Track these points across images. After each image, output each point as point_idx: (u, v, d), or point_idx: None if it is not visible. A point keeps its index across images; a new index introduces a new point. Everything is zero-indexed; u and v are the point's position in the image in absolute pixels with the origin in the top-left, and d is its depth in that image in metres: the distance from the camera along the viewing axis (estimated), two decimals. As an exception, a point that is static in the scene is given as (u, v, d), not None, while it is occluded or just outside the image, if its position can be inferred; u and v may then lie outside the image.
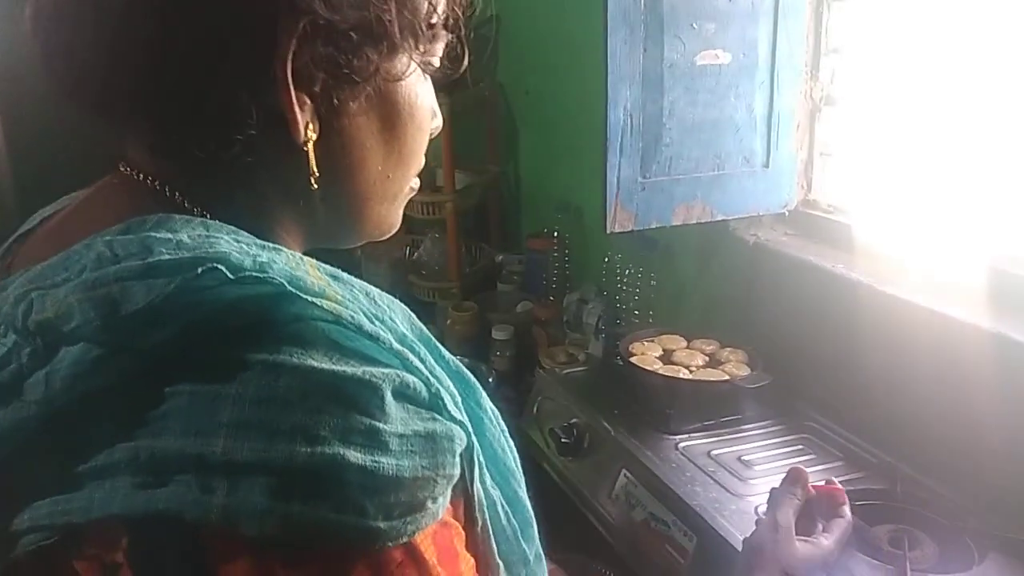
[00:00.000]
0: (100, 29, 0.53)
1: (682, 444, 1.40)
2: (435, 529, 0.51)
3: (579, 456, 1.49)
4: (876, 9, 1.55)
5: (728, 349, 1.62)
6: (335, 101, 0.57)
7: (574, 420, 1.53)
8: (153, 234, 0.52)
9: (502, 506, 0.60)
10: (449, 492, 0.52)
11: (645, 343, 1.65)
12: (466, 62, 0.64)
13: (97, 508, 0.46)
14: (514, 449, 0.65)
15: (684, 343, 1.66)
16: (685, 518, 1.23)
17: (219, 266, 0.48)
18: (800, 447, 1.41)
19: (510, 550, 0.60)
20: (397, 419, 0.49)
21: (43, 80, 0.56)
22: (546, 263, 2.40)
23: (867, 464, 1.36)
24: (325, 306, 0.51)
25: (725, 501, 1.24)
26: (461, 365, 0.61)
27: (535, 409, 1.68)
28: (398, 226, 0.68)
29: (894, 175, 1.54)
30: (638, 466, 1.35)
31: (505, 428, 0.65)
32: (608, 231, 1.54)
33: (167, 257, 0.49)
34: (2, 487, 0.49)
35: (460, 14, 0.62)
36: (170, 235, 0.52)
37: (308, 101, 0.56)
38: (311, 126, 0.56)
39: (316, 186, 0.58)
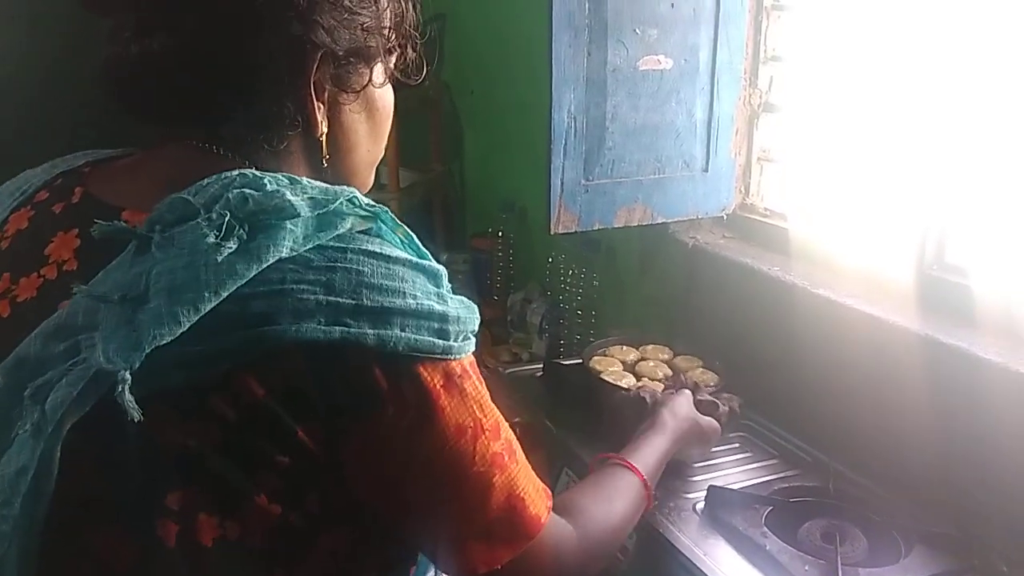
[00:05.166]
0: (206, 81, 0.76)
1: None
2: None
3: (521, 455, 1.50)
4: (814, 20, 1.59)
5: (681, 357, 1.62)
6: (339, 105, 0.81)
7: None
8: (287, 174, 0.76)
9: None
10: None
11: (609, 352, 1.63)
12: (424, 69, 0.90)
13: (289, 338, 0.67)
14: None
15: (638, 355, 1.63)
16: (625, 516, 1.24)
17: (356, 195, 0.75)
18: (736, 445, 1.44)
19: None
20: (448, 290, 0.77)
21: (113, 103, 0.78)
22: (490, 263, 2.41)
23: (801, 462, 1.40)
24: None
25: (664, 499, 1.27)
26: None
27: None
28: (371, 184, 0.93)
29: (830, 181, 1.58)
30: (580, 465, 1.37)
31: None
32: (552, 232, 1.56)
33: (322, 186, 0.75)
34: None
35: (415, 32, 0.86)
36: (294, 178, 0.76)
37: (321, 107, 0.79)
38: (323, 124, 0.80)
39: (326, 164, 0.82)
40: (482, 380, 0.79)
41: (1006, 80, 1.27)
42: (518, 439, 1.12)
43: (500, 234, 2.38)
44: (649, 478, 1.08)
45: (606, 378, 1.51)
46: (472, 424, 0.75)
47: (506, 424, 0.81)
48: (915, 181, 1.41)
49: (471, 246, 2.50)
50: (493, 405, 0.79)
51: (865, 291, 1.43)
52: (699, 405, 1.32)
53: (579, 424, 1.47)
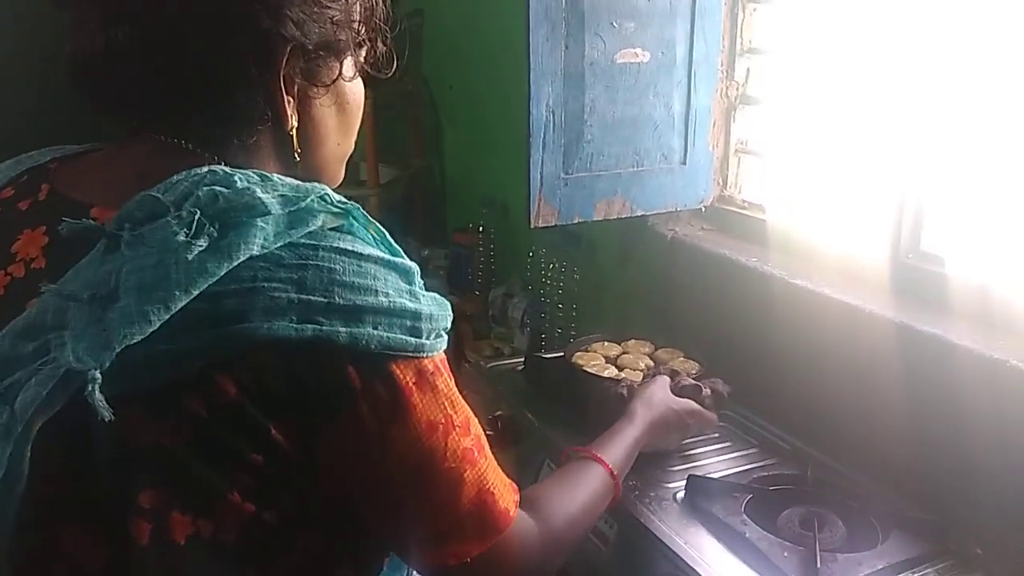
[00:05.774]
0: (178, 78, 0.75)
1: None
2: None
3: (503, 448, 1.51)
4: (789, 12, 1.60)
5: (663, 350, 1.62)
6: (309, 98, 0.81)
7: (498, 412, 1.55)
8: (258, 171, 0.75)
9: None
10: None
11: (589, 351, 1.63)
12: (395, 63, 0.88)
13: (261, 336, 0.67)
14: None
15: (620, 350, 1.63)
16: (606, 506, 1.25)
17: (327, 192, 0.75)
18: (716, 435, 1.45)
19: None
20: (420, 287, 0.77)
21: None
22: (471, 258, 2.41)
23: (780, 450, 1.42)
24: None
25: (645, 489, 1.28)
26: None
27: (460, 402, 1.69)
28: (341, 178, 0.92)
29: (807, 172, 1.59)
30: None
31: None
32: (532, 226, 1.56)
33: (293, 183, 0.74)
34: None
35: (386, 26, 0.85)
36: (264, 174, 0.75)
37: (291, 100, 0.79)
38: (293, 117, 0.79)
39: (298, 158, 0.82)
40: (452, 376, 0.79)
41: (980, 70, 1.28)
42: (500, 432, 1.14)
43: (481, 229, 2.39)
44: (616, 468, 1.09)
45: (587, 369, 1.51)
46: (443, 420, 0.76)
47: (475, 420, 0.81)
48: (890, 170, 1.43)
49: (452, 241, 2.50)
50: (463, 401, 0.79)
51: (841, 280, 1.45)
52: (681, 391, 1.33)
53: (561, 417, 1.48)
